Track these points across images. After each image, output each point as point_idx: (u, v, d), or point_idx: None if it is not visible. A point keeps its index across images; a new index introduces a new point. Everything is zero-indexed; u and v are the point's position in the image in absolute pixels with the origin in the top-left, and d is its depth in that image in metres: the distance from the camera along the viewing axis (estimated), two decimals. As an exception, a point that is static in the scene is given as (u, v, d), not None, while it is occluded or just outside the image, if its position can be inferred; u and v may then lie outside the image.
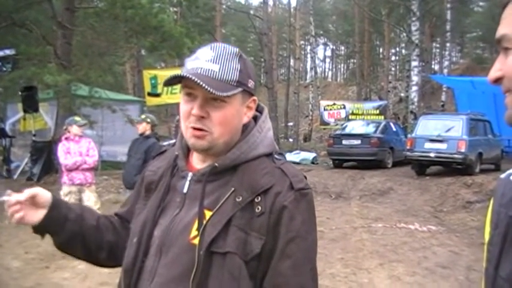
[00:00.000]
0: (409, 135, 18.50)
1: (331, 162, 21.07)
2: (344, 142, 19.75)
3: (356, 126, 21.38)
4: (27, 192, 1.69)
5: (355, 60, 48.24)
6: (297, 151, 24.65)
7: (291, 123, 38.43)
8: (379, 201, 13.06)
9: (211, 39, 28.62)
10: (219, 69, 1.56)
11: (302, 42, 52.13)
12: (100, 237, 1.84)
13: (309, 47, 51.34)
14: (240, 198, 1.53)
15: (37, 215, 1.71)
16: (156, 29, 13.60)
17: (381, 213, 11.47)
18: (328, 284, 6.77)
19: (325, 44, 70.93)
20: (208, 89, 1.49)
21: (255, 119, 1.72)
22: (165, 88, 20.64)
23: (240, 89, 1.59)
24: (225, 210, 1.53)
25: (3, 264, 7.94)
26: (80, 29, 14.83)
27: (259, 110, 1.76)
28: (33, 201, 1.71)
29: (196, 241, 1.52)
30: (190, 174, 1.66)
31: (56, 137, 12.89)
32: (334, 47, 70.77)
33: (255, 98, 1.69)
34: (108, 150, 18.11)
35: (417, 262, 7.79)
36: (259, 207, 1.53)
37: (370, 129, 20.39)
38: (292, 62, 43.96)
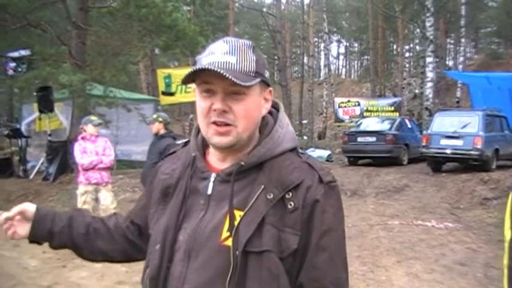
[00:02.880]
0: (424, 132, 18.39)
1: (346, 160, 20.95)
2: (359, 139, 19.60)
3: (371, 123, 21.23)
4: (15, 209, 1.83)
5: (368, 57, 48.02)
6: (312, 149, 24.55)
7: (305, 121, 38.29)
8: (395, 198, 12.97)
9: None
10: (237, 60, 1.54)
11: (315, 39, 52.01)
12: (90, 244, 1.90)
13: (322, 44, 51.25)
14: (271, 196, 1.52)
15: (26, 229, 1.84)
16: (170, 27, 13.59)
17: (397, 210, 11.40)
18: (346, 282, 6.73)
19: (338, 41, 70.76)
20: (233, 79, 1.46)
21: (271, 114, 1.70)
22: (179, 87, 20.71)
23: (258, 79, 1.56)
24: (258, 209, 1.51)
25: (20, 263, 7.99)
26: (94, 28, 14.88)
27: (273, 105, 1.73)
28: (23, 216, 1.84)
29: (228, 242, 1.49)
30: (213, 174, 1.62)
31: (72, 137, 12.96)
32: (347, 44, 70.56)
33: (271, 89, 1.67)
34: (123, 149, 18.16)
35: (435, 259, 7.74)
36: (292, 203, 1.52)
37: (385, 126, 20.21)
38: (305, 59, 43.82)
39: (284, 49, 33.67)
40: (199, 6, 22.28)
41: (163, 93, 21.33)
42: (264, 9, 43.29)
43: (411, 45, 47.62)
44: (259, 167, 1.59)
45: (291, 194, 1.52)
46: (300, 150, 1.67)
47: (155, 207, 1.73)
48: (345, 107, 30.47)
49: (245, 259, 1.47)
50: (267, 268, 1.47)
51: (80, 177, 8.55)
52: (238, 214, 1.52)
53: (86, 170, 8.40)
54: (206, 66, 1.50)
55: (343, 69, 75.50)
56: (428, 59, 24.60)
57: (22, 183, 15.89)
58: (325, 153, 23.30)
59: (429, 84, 24.35)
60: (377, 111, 28.47)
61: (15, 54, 17.95)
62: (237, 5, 42.95)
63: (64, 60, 13.85)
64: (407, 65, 42.89)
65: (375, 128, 20.14)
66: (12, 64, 18.84)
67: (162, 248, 1.61)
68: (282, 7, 39.88)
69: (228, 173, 1.59)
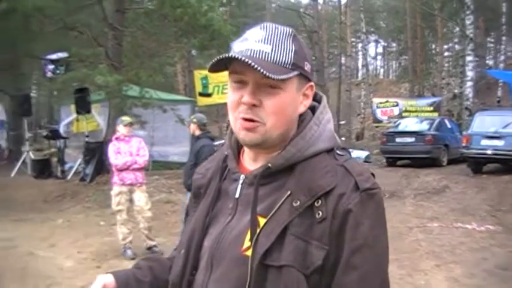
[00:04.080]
0: (464, 132, 18.02)
1: (384, 161, 20.70)
2: (397, 140, 19.34)
3: (409, 124, 20.92)
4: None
5: (407, 57, 47.44)
6: (350, 150, 24.17)
7: (343, 122, 38.02)
8: (434, 200, 12.69)
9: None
10: (272, 50, 1.37)
11: (353, 39, 51.62)
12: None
13: (360, 45, 50.84)
14: (298, 203, 1.34)
15: None
16: (206, 27, 13.53)
17: (437, 213, 11.14)
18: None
19: (376, 41, 70.08)
20: (262, 71, 1.29)
21: (313, 110, 1.51)
22: (216, 88, 20.73)
23: (296, 73, 1.39)
24: (281, 217, 1.34)
25: (56, 263, 8.04)
26: (130, 30, 14.94)
27: (317, 99, 1.55)
28: None
29: (249, 253, 1.34)
30: (242, 176, 1.48)
31: (108, 138, 13.02)
32: (385, 44, 69.87)
33: (312, 83, 1.48)
34: (159, 150, 18.22)
35: (475, 263, 7.50)
36: (320, 212, 1.33)
37: (424, 126, 19.89)
38: (343, 59, 43.48)
39: (321, 49, 33.43)
40: (235, 6, 22.22)
41: (200, 94, 21.35)
42: (301, 10, 43.00)
43: (450, 44, 46.83)
44: (290, 170, 1.41)
45: (320, 201, 1.34)
46: (340, 152, 1.46)
47: (191, 210, 1.62)
48: (383, 107, 30.12)
49: (264, 273, 1.32)
50: (285, 285, 1.30)
51: (114, 178, 8.54)
52: (262, 222, 1.37)
53: (120, 170, 8.38)
54: (235, 55, 1.34)
55: (381, 70, 74.87)
56: (468, 58, 24.16)
57: (60, 184, 16.09)
58: (363, 154, 22.99)
59: (469, 84, 23.93)
60: (416, 111, 28.02)
61: (54, 56, 18.22)
62: (274, 5, 42.93)
63: (100, 62, 13.93)
64: (446, 65, 42.05)
65: (414, 129, 19.84)
66: (51, 66, 19.16)
67: (187, 253, 1.49)
68: (319, 7, 39.59)
69: (254, 175, 1.44)
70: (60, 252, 8.65)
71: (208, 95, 21.16)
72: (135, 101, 14.73)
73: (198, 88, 21.36)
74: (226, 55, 1.35)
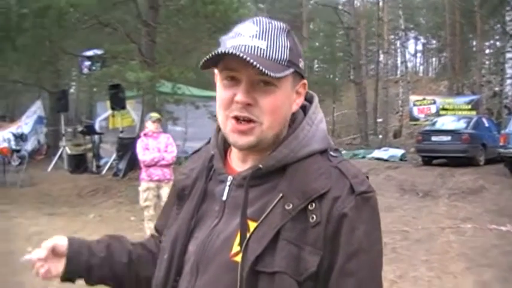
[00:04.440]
0: (502, 131, 17.61)
1: (420, 159, 20.34)
2: (433, 138, 19.00)
3: (446, 122, 20.58)
4: (44, 247, 1.52)
5: (446, 54, 46.74)
6: (385, 148, 24.04)
7: (380, 120, 37.63)
8: (469, 200, 12.39)
9: (298, 35, 28.41)
10: (267, 46, 1.31)
11: (392, 36, 51.05)
12: (134, 274, 1.63)
13: (398, 42, 50.26)
14: (290, 206, 1.28)
15: (60, 266, 1.55)
16: (237, 24, 13.46)
17: (471, 213, 10.86)
18: (410, 287, 6.43)
19: (416, 38, 69.21)
20: (261, 68, 1.23)
21: (304, 109, 1.45)
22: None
23: (291, 70, 1.33)
24: (272, 221, 1.28)
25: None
26: (163, 26, 15.00)
27: (307, 98, 1.48)
28: (55, 253, 1.54)
29: (238, 258, 1.28)
30: (230, 177, 1.41)
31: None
32: (425, 41, 68.96)
33: (305, 81, 1.43)
34: (193, 146, 18.26)
35: (508, 267, 7.25)
36: (314, 216, 1.27)
37: (461, 124, 19.55)
38: (381, 57, 43.03)
39: (359, 46, 33.10)
40: (270, 4, 22.14)
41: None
42: (340, 7, 42.65)
43: (491, 41, 45.94)
44: (281, 172, 1.35)
45: (314, 205, 1.28)
46: (333, 153, 1.40)
47: (173, 212, 1.54)
48: (420, 105, 29.64)
49: (255, 280, 1.25)
50: None
51: (142, 174, 8.57)
52: (252, 226, 1.30)
53: (148, 166, 8.39)
54: (230, 50, 1.27)
55: (421, 67, 73.95)
56: (508, 55, 23.68)
57: (94, 179, 16.30)
58: (399, 152, 22.70)
59: (509, 81, 23.47)
60: (453, 109, 27.48)
61: (90, 53, 18.47)
62: (312, 2, 42.67)
63: (133, 58, 14.02)
64: (487, 62, 41.36)
65: (450, 127, 19.51)
66: (87, 63, 19.47)
67: (170, 258, 1.42)
68: (357, 4, 39.35)
69: (243, 177, 1.37)
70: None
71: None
72: (167, 98, 14.77)
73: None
74: (224, 50, 1.29)
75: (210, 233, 1.37)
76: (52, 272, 1.54)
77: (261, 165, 1.35)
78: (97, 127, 21.05)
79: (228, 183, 1.41)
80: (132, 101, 18.07)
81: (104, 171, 17.69)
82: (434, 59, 68.48)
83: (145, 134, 8.62)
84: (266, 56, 1.30)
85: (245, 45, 1.30)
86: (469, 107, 27.42)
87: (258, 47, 1.30)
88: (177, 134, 13.26)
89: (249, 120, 1.32)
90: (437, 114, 27.05)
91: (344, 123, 40.92)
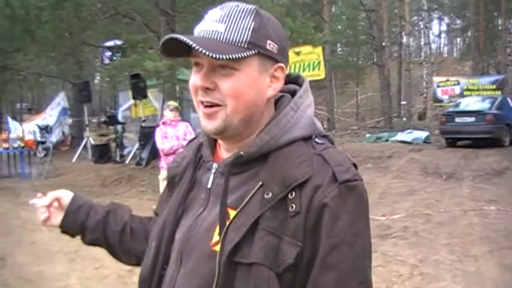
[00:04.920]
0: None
1: (444, 141, 20.15)
2: (457, 120, 18.80)
3: (470, 103, 20.37)
4: (50, 196, 1.68)
5: (470, 34, 46.09)
6: (409, 130, 23.85)
7: (403, 102, 37.29)
8: (493, 182, 12.23)
9: (317, 19, 28.18)
10: (226, 29, 1.28)
11: (415, 17, 50.42)
12: (125, 244, 1.70)
13: (422, 23, 49.60)
14: (270, 195, 1.25)
15: (59, 218, 1.69)
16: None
17: (495, 195, 10.71)
18: (431, 271, 6.38)
19: (439, 18, 68.31)
20: (203, 50, 1.21)
21: (293, 94, 1.41)
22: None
23: (252, 52, 1.29)
24: (251, 210, 1.25)
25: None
26: (182, 15, 14.95)
27: (299, 83, 1.45)
28: (59, 204, 1.69)
29: (218, 248, 1.26)
30: (215, 165, 1.39)
31: (162, 122, 13.17)
32: (449, 21, 68.03)
33: (281, 65, 1.36)
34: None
35: (532, 250, 7.17)
36: (294, 206, 1.23)
37: (485, 105, 19.28)
38: (404, 38, 42.53)
39: (381, 28, 32.73)
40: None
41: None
42: (360, -12, 42.22)
43: (517, 19, 45.16)
44: (263, 159, 1.32)
45: (294, 194, 1.24)
46: (318, 140, 1.35)
47: (165, 201, 1.54)
48: (444, 86, 29.30)
49: (233, 270, 1.23)
50: (255, 284, 1.21)
51: (161, 163, 8.63)
52: (233, 215, 1.27)
53: (167, 155, 8.44)
54: (173, 36, 1.27)
55: (445, 48, 73.03)
56: (534, 33, 23.22)
57: (117, 168, 16.43)
58: (423, 134, 22.51)
59: (535, 60, 23.02)
60: (478, 90, 27.12)
61: (110, 43, 18.56)
62: (332, -15, 42.24)
63: (151, 47, 14.02)
64: (512, 41, 40.65)
65: (474, 108, 19.26)
66: (108, 53, 19.56)
67: (158, 246, 1.42)
68: (378, -15, 38.78)
69: (226, 164, 1.35)
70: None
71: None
72: (186, 86, 14.74)
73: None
74: (168, 37, 1.29)
75: (194, 222, 1.37)
76: (51, 220, 1.71)
77: (242, 152, 1.32)
78: (120, 117, 21.18)
79: (213, 170, 1.39)
80: (154, 89, 18.12)
81: (127, 161, 17.82)
82: (458, 39, 67.54)
83: (163, 123, 8.68)
84: (222, 38, 1.28)
85: (205, 30, 1.30)
86: (494, 87, 27.03)
87: (215, 31, 1.29)
88: (198, 121, 13.21)
89: (214, 105, 1.31)
90: (461, 95, 26.75)
91: (368, 107, 40.68)
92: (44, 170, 16.24)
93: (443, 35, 72.67)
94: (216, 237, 1.28)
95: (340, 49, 52.48)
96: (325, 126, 31.76)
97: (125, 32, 14.97)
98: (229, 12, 1.31)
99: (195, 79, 1.32)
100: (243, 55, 1.27)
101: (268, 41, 1.32)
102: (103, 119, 25.29)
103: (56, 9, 12.75)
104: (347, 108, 41.75)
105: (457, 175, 13.31)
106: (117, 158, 18.45)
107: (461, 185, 12.00)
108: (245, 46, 1.28)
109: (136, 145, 17.94)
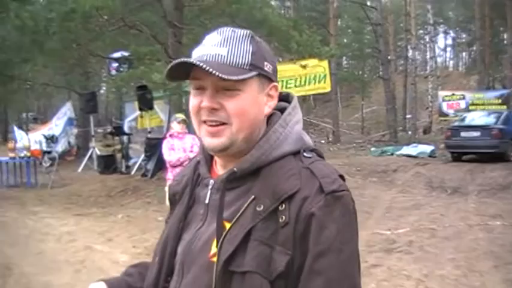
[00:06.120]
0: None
1: (449, 155, 20.15)
2: (463, 134, 18.83)
3: (476, 117, 20.40)
4: None
5: (476, 48, 46.13)
6: (415, 144, 23.86)
7: (409, 116, 37.30)
8: (499, 197, 12.23)
9: (323, 32, 28.28)
10: (228, 52, 1.37)
11: (421, 31, 50.50)
12: None
13: (427, 36, 49.69)
14: (262, 207, 1.32)
15: None
16: (261, 23, 13.51)
17: (501, 210, 10.70)
18: (436, 286, 6.38)
19: (445, 32, 68.41)
20: (215, 72, 1.29)
21: (283, 111, 1.49)
22: (280, 83, 20.69)
23: (254, 73, 1.38)
24: (244, 222, 1.33)
25: (111, 258, 8.19)
26: (189, 27, 15.05)
27: (288, 100, 1.53)
28: None
29: (215, 259, 1.33)
30: (211, 181, 1.46)
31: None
32: (454, 35, 68.10)
33: (275, 84, 1.47)
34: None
35: (538, 265, 7.16)
36: (283, 217, 1.31)
37: (490, 120, 19.31)
38: (410, 52, 42.60)
39: (387, 42, 32.86)
40: (296, 1, 22.04)
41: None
42: (368, 3, 42.31)
43: (523, 34, 45.22)
44: (256, 174, 1.40)
45: (284, 206, 1.32)
46: (306, 154, 1.43)
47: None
48: (449, 100, 29.27)
49: (229, 279, 1.31)
50: None
51: (168, 174, 8.67)
52: (228, 227, 1.36)
53: (174, 167, 8.47)
54: (185, 60, 1.34)
55: (451, 62, 73.05)
56: (540, 48, 23.24)
57: (123, 179, 16.48)
58: (428, 148, 22.50)
59: (541, 75, 23.01)
60: (483, 104, 27.10)
61: (118, 54, 18.66)
62: (338, -2, 42.41)
63: (159, 59, 14.11)
64: (518, 55, 40.64)
65: (480, 122, 19.31)
66: (115, 64, 19.64)
67: (161, 260, 1.51)
68: (384, -1, 39.05)
69: (221, 180, 1.43)
70: (117, 247, 8.81)
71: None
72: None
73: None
74: (178, 61, 1.36)
75: (194, 236, 1.44)
76: None
77: (235, 169, 1.40)
78: (126, 128, 21.27)
79: (210, 187, 1.47)
80: (160, 101, 18.22)
81: (133, 172, 17.87)
82: (464, 53, 67.56)
83: (170, 135, 8.71)
84: (226, 61, 1.36)
85: (207, 54, 1.37)
86: (499, 101, 27.01)
87: (218, 54, 1.36)
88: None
89: (219, 124, 1.38)
90: (467, 109, 26.72)
91: (373, 120, 40.66)
92: (50, 179, 16.31)
93: (448, 49, 72.73)
94: (214, 249, 1.35)
95: (345, 62, 52.59)
96: (330, 139, 31.83)
97: (133, 44, 15.06)
98: (228, 37, 1.39)
99: (198, 101, 1.38)
100: (247, 76, 1.36)
101: (265, 62, 1.42)
102: (109, 129, 25.38)
103: (65, 21, 12.85)
104: (352, 121, 41.75)
105: (462, 189, 13.32)
106: (123, 169, 18.50)
107: (467, 200, 12.00)
108: (247, 68, 1.37)
109: (142, 156, 18.01)
